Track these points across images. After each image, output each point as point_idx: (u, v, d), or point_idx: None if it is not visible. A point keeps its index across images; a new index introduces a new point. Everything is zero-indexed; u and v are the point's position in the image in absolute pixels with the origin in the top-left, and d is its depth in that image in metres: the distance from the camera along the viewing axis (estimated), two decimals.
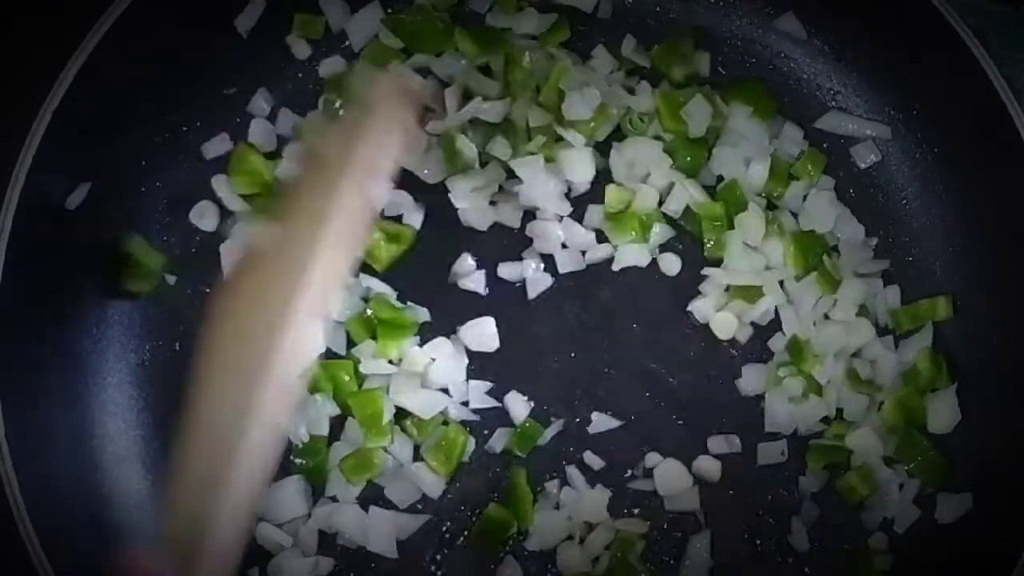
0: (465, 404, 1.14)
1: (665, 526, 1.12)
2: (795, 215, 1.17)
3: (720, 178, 1.17)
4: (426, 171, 1.16)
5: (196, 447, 0.90)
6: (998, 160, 1.08)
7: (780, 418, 1.13)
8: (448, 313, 1.16)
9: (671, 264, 1.17)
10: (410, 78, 1.13)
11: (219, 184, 1.16)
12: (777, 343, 1.15)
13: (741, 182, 1.16)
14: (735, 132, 1.17)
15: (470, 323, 1.15)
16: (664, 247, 1.17)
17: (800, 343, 1.13)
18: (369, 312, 1.13)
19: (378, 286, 1.15)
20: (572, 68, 1.15)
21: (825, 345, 1.13)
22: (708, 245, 1.15)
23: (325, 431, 1.13)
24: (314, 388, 1.12)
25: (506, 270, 1.16)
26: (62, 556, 1.01)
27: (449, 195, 1.16)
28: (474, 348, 1.15)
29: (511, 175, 1.16)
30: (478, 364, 1.15)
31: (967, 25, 1.04)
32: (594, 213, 1.17)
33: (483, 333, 1.15)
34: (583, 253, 1.17)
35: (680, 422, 1.14)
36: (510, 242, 1.17)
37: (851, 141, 1.19)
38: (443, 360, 1.14)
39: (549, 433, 1.13)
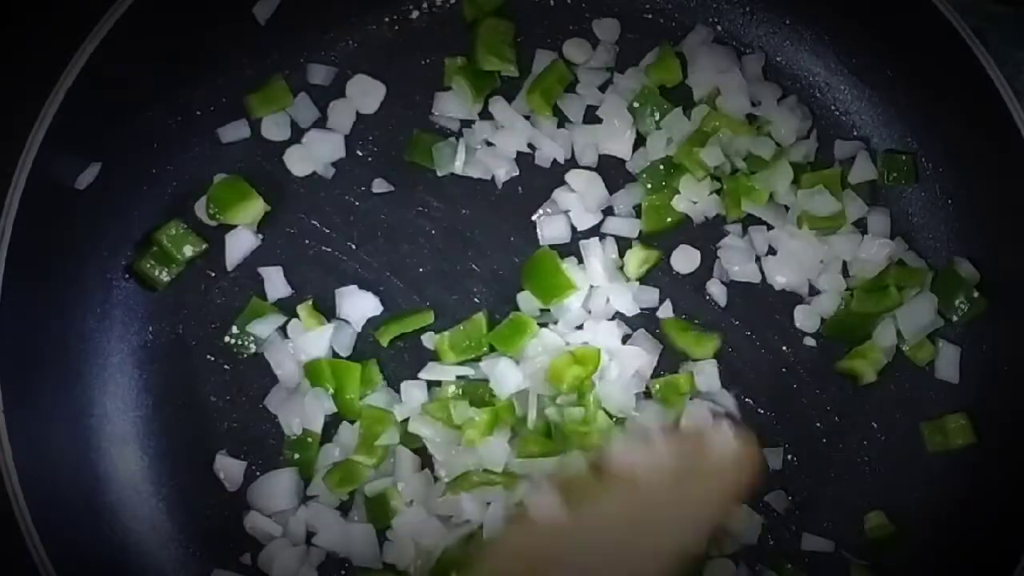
0: None
1: None
2: None
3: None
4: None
5: None
6: (998, 160, 1.08)
7: None
8: None
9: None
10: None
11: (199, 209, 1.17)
12: None
13: None
14: None
15: None
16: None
17: None
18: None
19: None
20: None
21: None
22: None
23: (319, 428, 1.12)
24: (316, 382, 1.12)
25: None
26: (55, 533, 1.01)
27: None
28: None
29: None
30: None
31: (967, 25, 1.05)
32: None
33: None
34: None
35: None
36: None
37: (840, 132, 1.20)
38: None
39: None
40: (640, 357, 1.13)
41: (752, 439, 0.93)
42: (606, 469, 0.87)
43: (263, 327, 1.14)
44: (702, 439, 0.89)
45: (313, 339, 1.13)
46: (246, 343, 1.15)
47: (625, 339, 1.15)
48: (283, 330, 1.15)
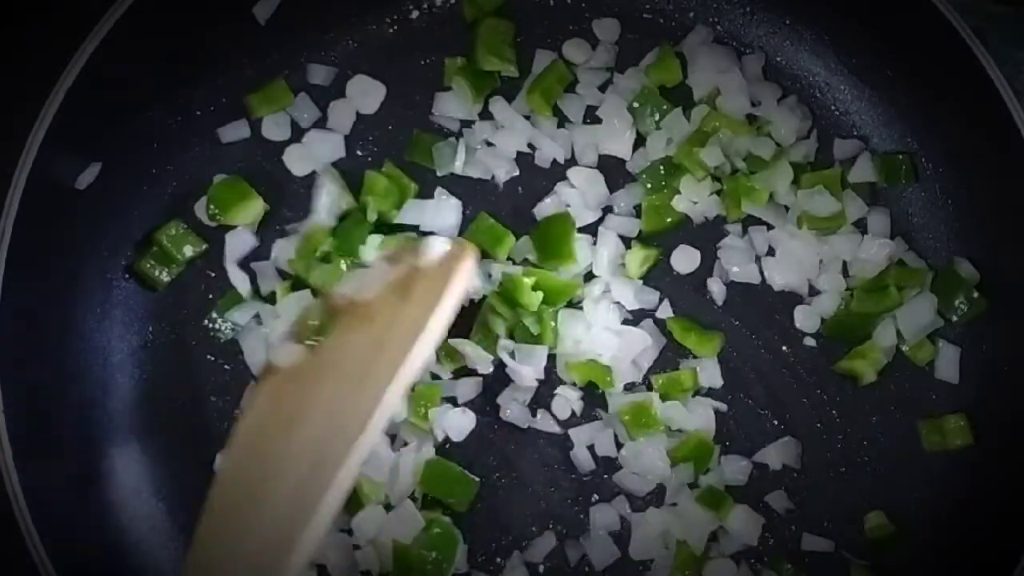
0: None
1: None
2: None
3: None
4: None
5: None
6: (998, 160, 1.08)
7: None
8: None
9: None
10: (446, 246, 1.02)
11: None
12: None
13: None
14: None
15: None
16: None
17: None
18: None
19: None
20: None
21: None
22: None
23: None
24: None
25: None
26: (55, 533, 1.01)
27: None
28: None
29: None
30: None
31: (967, 25, 1.05)
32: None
33: None
34: None
35: None
36: None
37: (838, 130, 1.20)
38: None
39: None
40: (643, 340, 1.13)
41: (462, 242, 0.99)
42: (335, 305, 0.93)
43: (241, 314, 1.14)
44: (414, 252, 0.94)
45: (283, 325, 1.11)
46: (224, 329, 1.15)
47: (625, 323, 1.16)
48: (259, 318, 1.15)
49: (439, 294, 0.90)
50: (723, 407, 1.14)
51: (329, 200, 1.13)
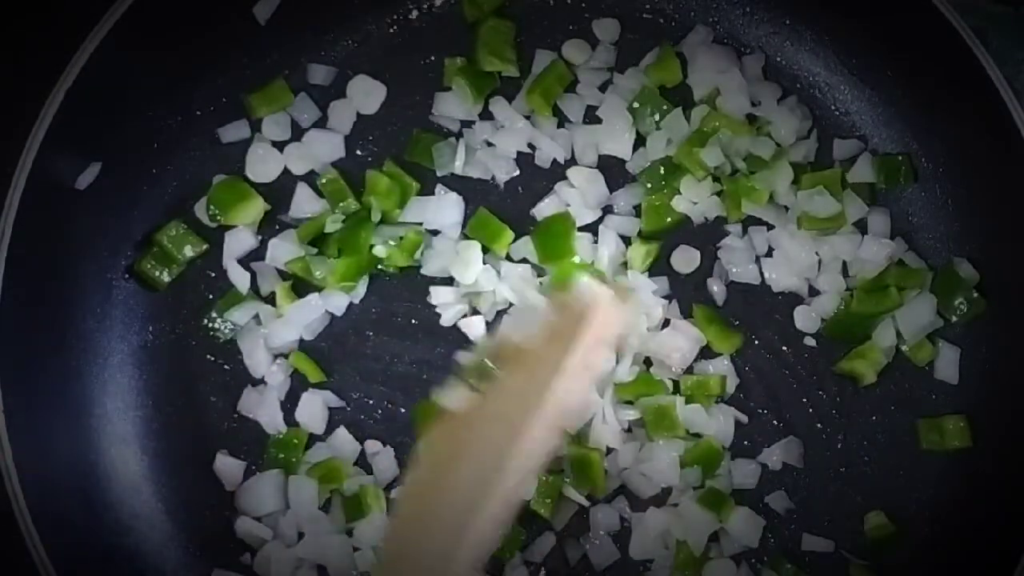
0: None
1: None
2: None
3: None
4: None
5: None
6: (998, 160, 1.08)
7: None
8: None
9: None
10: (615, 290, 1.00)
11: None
12: None
13: None
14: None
15: None
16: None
17: None
18: None
19: None
20: None
21: None
22: None
23: (321, 429, 1.14)
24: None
25: None
26: (55, 533, 1.01)
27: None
28: None
29: None
30: None
31: (967, 25, 1.05)
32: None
33: None
34: None
35: None
36: None
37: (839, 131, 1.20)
38: None
39: None
40: (689, 331, 1.13)
41: (617, 287, 0.99)
42: (500, 351, 0.94)
43: (240, 314, 1.14)
44: (576, 298, 0.95)
45: (282, 326, 1.14)
46: (224, 329, 1.15)
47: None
48: (258, 318, 1.15)
49: (584, 337, 0.92)
50: (744, 418, 1.14)
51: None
